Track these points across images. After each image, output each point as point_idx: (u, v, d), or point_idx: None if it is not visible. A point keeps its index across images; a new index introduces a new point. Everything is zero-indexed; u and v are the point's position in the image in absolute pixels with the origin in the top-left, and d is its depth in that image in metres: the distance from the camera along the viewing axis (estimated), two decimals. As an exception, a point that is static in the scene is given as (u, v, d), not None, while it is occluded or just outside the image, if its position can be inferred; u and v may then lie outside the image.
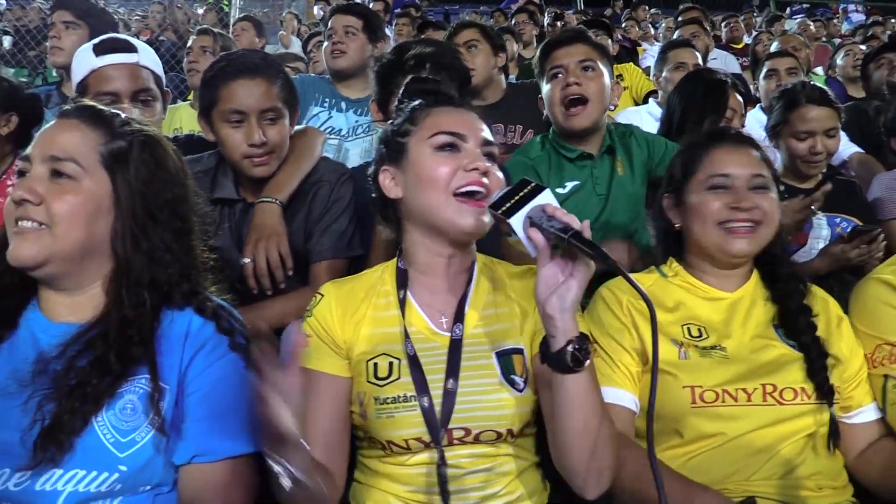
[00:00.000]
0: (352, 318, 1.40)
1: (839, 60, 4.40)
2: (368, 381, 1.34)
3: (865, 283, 1.61)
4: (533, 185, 1.20)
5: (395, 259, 1.47)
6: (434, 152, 1.37)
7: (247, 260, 1.87)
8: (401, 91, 1.80)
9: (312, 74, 4.09)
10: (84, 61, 2.07)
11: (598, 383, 1.24)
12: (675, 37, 4.26)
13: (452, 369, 1.34)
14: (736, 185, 1.55)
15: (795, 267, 1.59)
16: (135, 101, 2.02)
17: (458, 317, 1.39)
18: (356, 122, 3.05)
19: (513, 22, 6.37)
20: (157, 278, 1.24)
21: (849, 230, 2.29)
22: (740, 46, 6.95)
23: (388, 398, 1.32)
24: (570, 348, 1.16)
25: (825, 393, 1.46)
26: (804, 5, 13.03)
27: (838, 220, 2.42)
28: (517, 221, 1.18)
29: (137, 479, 1.18)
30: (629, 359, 1.51)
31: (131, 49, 2.08)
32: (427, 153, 1.37)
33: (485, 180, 1.34)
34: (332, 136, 3.00)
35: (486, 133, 1.41)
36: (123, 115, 1.30)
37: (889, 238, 2.30)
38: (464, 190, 1.33)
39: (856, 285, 1.64)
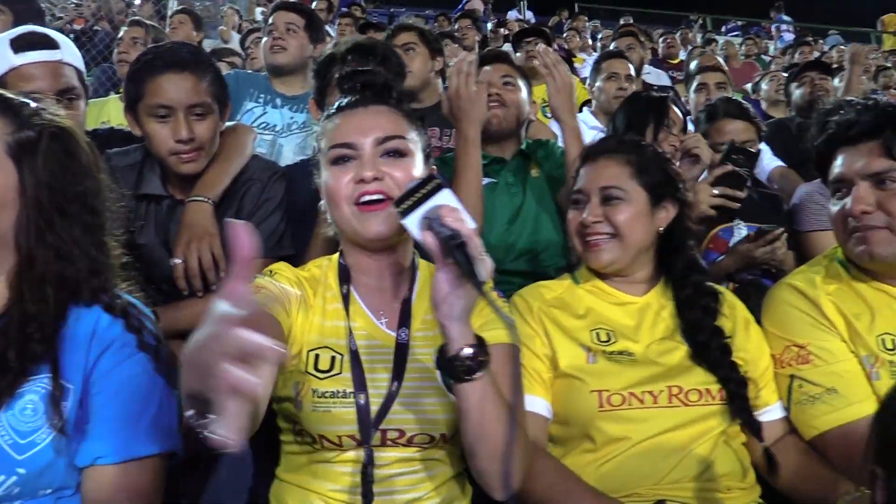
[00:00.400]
0: (305, 302, 1.37)
1: (764, 85, 4.57)
2: (308, 372, 1.32)
3: (777, 288, 1.67)
4: (435, 182, 1.13)
5: (336, 255, 1.46)
6: (332, 167, 1.37)
7: (177, 261, 1.83)
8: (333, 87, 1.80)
9: (248, 70, 4.02)
10: (0, 58, 1.94)
11: (499, 390, 1.22)
12: (611, 48, 4.35)
13: (398, 373, 1.33)
14: (586, 201, 1.62)
15: (703, 284, 1.61)
16: (59, 99, 1.94)
17: (404, 321, 1.38)
18: (291, 118, 3.02)
19: (455, 27, 6.41)
20: (63, 274, 1.20)
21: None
22: (676, 62, 7.15)
23: (326, 392, 1.30)
24: (462, 355, 1.15)
25: (754, 430, 1.50)
26: (738, 23, 13.55)
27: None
28: (412, 222, 1.13)
29: (37, 482, 1.14)
30: (541, 365, 1.53)
31: (53, 45, 1.96)
32: (328, 168, 1.38)
33: (379, 185, 1.32)
34: (267, 133, 2.97)
35: (388, 128, 1.37)
36: (34, 105, 1.25)
37: (804, 248, 2.39)
38: (361, 201, 1.33)
39: (769, 290, 1.71)
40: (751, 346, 1.58)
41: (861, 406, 1.47)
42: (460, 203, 1.13)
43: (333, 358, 1.33)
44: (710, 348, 1.53)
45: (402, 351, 1.35)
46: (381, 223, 1.33)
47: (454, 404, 1.32)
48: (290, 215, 2.02)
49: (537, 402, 1.51)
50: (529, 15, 13.01)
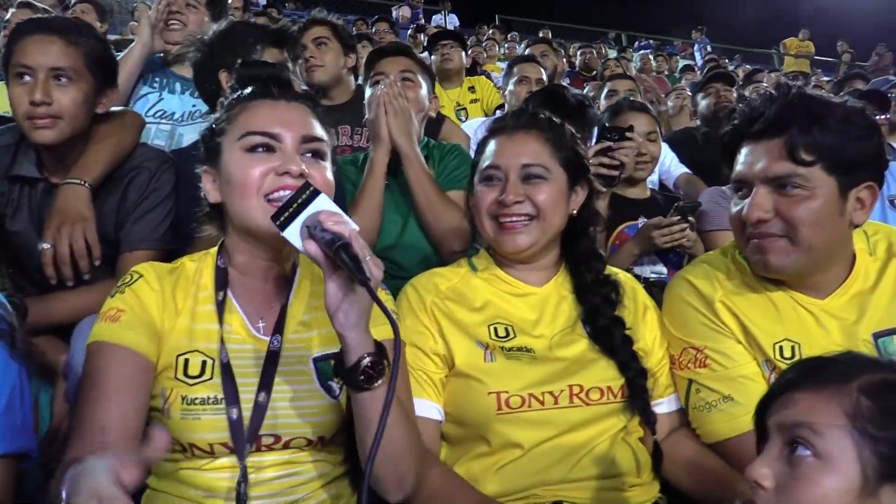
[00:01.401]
0: (170, 305, 1.29)
1: (670, 101, 4.74)
2: (177, 378, 1.24)
3: (676, 281, 1.60)
4: (311, 189, 1.10)
5: (213, 251, 1.37)
6: (244, 154, 1.27)
7: (46, 245, 1.69)
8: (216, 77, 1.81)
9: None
10: None
11: (397, 394, 1.16)
12: (525, 54, 4.43)
13: (266, 382, 1.26)
14: (503, 178, 1.49)
15: (603, 273, 1.55)
16: None
17: (278, 327, 1.31)
18: (193, 105, 2.73)
19: (373, 30, 6.37)
20: None
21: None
22: (592, 74, 7.33)
23: (196, 398, 1.22)
24: (362, 364, 1.12)
25: (650, 423, 1.47)
26: (650, 42, 14.24)
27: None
28: (293, 233, 1.09)
29: None
30: (432, 365, 1.46)
31: None
32: (237, 155, 1.28)
33: (302, 182, 1.21)
34: (165, 121, 2.70)
35: (312, 128, 1.31)
36: None
37: (708, 246, 2.43)
38: (275, 196, 1.24)
39: (668, 282, 1.65)
40: (648, 337, 1.54)
41: None
42: (336, 206, 1.11)
43: (204, 363, 1.26)
44: (611, 336, 1.47)
45: (272, 359, 1.28)
46: None
47: (331, 406, 1.29)
48: (178, 205, 1.90)
49: (426, 406, 1.44)
50: (453, 18, 13.13)
